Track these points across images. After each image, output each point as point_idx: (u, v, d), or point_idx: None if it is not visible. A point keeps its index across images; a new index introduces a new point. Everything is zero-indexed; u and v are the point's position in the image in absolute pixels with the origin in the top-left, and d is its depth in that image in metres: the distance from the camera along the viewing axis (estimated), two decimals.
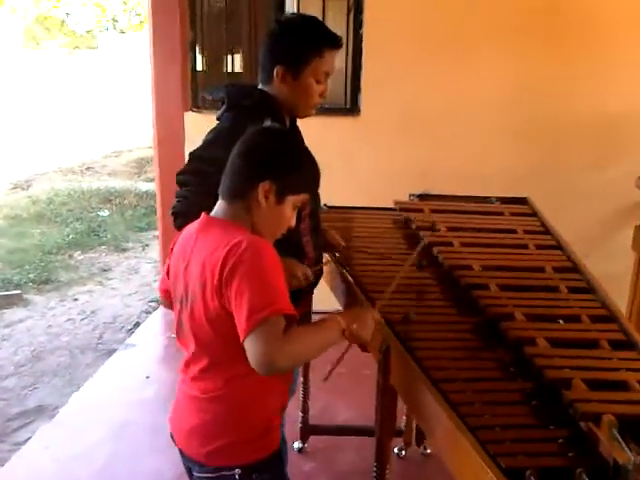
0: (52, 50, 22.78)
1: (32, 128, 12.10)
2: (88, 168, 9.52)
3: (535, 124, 3.76)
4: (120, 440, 2.76)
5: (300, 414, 2.62)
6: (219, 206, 1.42)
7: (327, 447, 2.64)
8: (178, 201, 1.75)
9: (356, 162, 3.82)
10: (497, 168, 3.74)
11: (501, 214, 2.48)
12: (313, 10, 3.65)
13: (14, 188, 8.15)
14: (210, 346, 1.36)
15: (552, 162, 3.81)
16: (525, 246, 2.09)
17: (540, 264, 1.89)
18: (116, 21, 21.40)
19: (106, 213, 6.85)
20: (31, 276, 5.02)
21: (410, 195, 2.76)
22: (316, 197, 1.94)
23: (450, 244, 2.09)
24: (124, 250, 5.83)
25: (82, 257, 5.60)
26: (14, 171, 8.83)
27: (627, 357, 1.40)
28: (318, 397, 2.74)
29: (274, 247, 1.42)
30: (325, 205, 2.62)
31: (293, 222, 1.45)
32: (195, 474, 1.46)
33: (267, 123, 1.71)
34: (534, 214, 2.48)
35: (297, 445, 2.67)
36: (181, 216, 1.67)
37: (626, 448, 1.06)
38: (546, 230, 2.26)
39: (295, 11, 3.75)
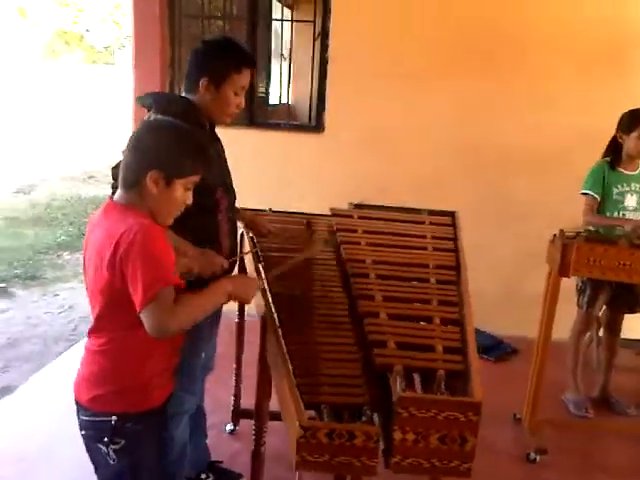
0: (70, 64, 23.49)
1: (44, 137, 12.55)
2: (91, 177, 9.91)
3: (480, 146, 4.06)
4: (68, 418, 3.00)
5: (232, 398, 2.87)
6: (118, 194, 1.65)
7: None
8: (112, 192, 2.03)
9: (320, 175, 4.11)
10: (447, 184, 4.01)
11: (422, 223, 2.73)
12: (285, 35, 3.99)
13: (17, 192, 8.53)
14: (100, 310, 1.61)
15: (496, 181, 4.10)
16: (425, 248, 2.34)
17: (426, 262, 2.15)
18: None
19: None
20: (18, 272, 5.32)
21: (349, 204, 3.03)
22: (231, 192, 2.22)
23: (358, 243, 2.35)
24: None
25: (69, 257, 5.91)
26: (20, 176, 9.23)
27: (449, 330, 1.66)
28: (252, 383, 2.97)
29: (194, 239, 1.69)
30: (270, 209, 2.92)
31: (189, 200, 1.66)
32: (80, 417, 1.69)
33: (151, 117, 1.97)
34: (452, 225, 2.73)
35: (229, 427, 2.92)
36: None
37: (398, 387, 1.35)
38: (453, 237, 2.51)
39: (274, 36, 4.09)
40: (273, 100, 4.94)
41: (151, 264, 1.51)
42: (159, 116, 2.01)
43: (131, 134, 1.66)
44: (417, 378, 1.43)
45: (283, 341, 1.56)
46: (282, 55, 5.08)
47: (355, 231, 2.50)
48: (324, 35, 4.03)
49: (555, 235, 2.83)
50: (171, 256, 1.59)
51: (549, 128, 4.00)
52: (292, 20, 4.68)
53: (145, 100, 2.06)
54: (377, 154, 4.08)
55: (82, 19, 21.33)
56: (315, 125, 4.16)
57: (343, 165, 4.08)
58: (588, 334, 3.70)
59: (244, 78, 2.09)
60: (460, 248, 2.36)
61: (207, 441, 2.56)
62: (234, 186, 2.28)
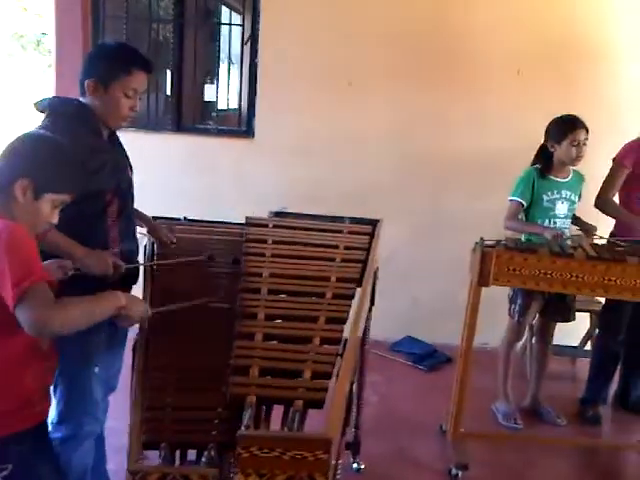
0: (26, 67, 22.92)
1: None
2: None
3: (417, 157, 4.01)
4: None
5: None
6: None
7: None
8: None
9: (251, 182, 3.99)
10: (381, 194, 3.94)
11: (340, 232, 2.64)
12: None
13: None
14: None
15: (433, 191, 4.04)
16: (333, 259, 2.24)
17: (329, 274, 2.05)
18: None
19: None
20: None
21: (269, 212, 2.93)
22: (127, 197, 2.12)
23: (263, 254, 2.24)
24: None
25: None
26: None
27: (324, 352, 1.55)
28: None
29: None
30: (185, 217, 2.80)
31: (53, 219, 1.60)
32: None
33: (45, 121, 1.92)
34: (371, 234, 2.64)
35: None
36: None
37: (245, 423, 1.24)
38: (367, 247, 2.41)
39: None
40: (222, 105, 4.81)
41: (19, 260, 1.44)
42: (48, 123, 1.95)
43: (9, 142, 1.60)
44: (275, 411, 1.32)
45: (142, 367, 1.44)
46: (230, 60, 4.98)
47: (265, 241, 2.39)
48: (253, 39, 3.93)
49: (476, 243, 2.76)
50: (36, 255, 1.51)
51: (485, 137, 3.97)
52: (220, 23, 4.57)
53: (41, 104, 2.00)
54: (310, 161, 3.99)
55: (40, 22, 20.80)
56: (245, 131, 4.05)
57: (274, 172, 3.98)
58: (521, 342, 3.68)
59: (134, 80, 2.00)
60: (372, 259, 2.27)
61: (108, 466, 2.42)
62: (146, 191, 2.19)
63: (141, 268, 2.20)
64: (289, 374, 1.45)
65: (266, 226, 2.64)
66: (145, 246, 2.43)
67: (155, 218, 2.47)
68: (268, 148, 4.01)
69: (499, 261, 2.66)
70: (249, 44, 3.96)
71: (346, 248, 2.40)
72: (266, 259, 2.20)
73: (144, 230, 2.40)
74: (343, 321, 1.67)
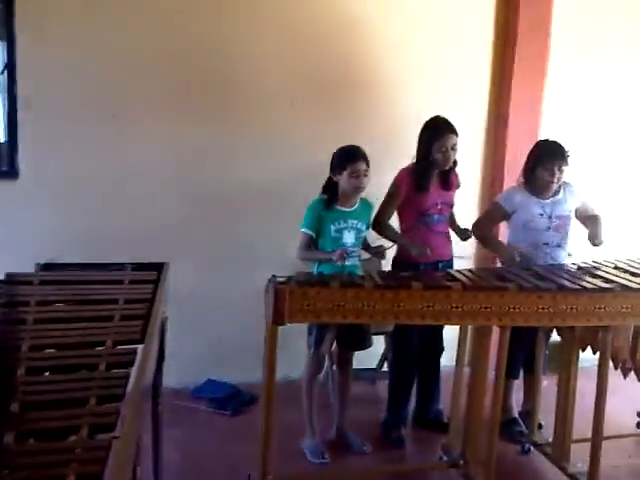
0: None
1: None
2: None
3: (204, 190, 3.84)
4: None
5: None
6: None
7: None
8: None
9: (15, 229, 3.53)
10: (171, 232, 3.71)
11: (121, 282, 2.38)
12: None
13: None
14: None
15: (226, 225, 3.90)
16: (111, 318, 1.98)
17: (104, 338, 1.79)
18: None
19: None
20: None
21: (36, 265, 2.57)
22: None
23: (24, 321, 1.91)
24: None
25: None
26: None
27: (96, 446, 1.29)
28: None
29: None
30: None
31: None
32: None
33: None
34: (156, 281, 2.42)
35: None
36: None
37: None
38: (150, 299, 2.19)
39: None
40: None
41: None
42: None
43: None
44: None
45: None
46: None
47: (27, 304, 2.06)
48: (11, 68, 3.49)
49: (269, 281, 2.65)
50: None
51: (273, 168, 3.91)
52: None
53: None
54: (84, 203, 3.63)
55: None
56: (7, 170, 3.57)
57: (42, 217, 3.55)
58: (323, 373, 3.65)
59: None
60: (157, 311, 2.05)
61: None
62: None
63: None
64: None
65: (30, 283, 2.30)
66: None
67: None
68: (34, 190, 3.57)
69: (292, 298, 2.58)
70: (5, 74, 3.51)
71: (127, 302, 2.15)
72: (27, 327, 1.88)
73: None
74: (119, 398, 1.43)
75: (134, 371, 1.61)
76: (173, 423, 3.04)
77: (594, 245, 3.32)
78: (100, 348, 1.75)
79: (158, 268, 2.58)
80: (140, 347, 1.79)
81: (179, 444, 3.23)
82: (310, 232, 3.12)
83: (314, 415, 3.28)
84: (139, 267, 2.59)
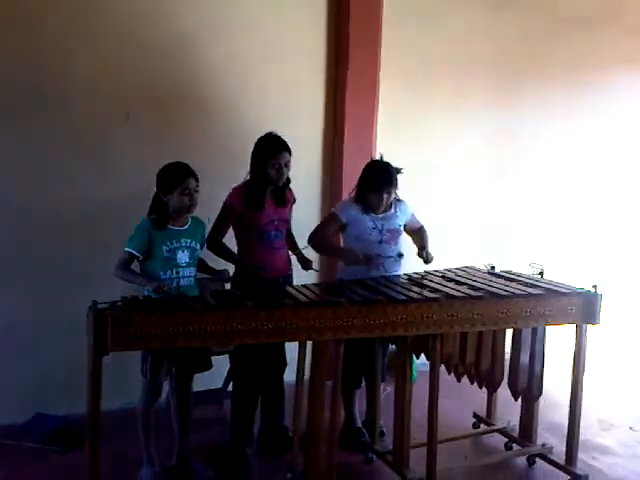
0: None
1: None
2: None
3: (28, 212, 3.62)
4: None
5: None
6: None
7: None
8: None
9: None
10: None
11: None
12: None
13: None
14: None
15: (53, 248, 3.69)
16: None
17: None
18: None
19: None
20: None
21: None
22: None
23: None
24: None
25: None
26: None
27: None
28: None
29: None
30: None
31: None
32: None
33: None
34: None
35: None
36: None
37: None
38: None
39: None
40: None
41: None
42: None
43: None
44: None
45: None
46: None
47: None
48: None
49: (89, 308, 2.48)
50: None
51: (106, 185, 3.78)
52: None
53: None
54: None
55: None
56: None
57: None
58: (163, 398, 3.50)
59: None
60: None
61: None
62: None
63: None
64: None
65: None
66: None
67: None
68: None
69: (116, 325, 2.44)
70: None
71: None
72: None
73: None
74: None
75: None
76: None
77: (425, 262, 3.49)
78: None
79: None
80: None
81: None
82: (134, 252, 2.97)
83: (152, 444, 3.12)
84: None
